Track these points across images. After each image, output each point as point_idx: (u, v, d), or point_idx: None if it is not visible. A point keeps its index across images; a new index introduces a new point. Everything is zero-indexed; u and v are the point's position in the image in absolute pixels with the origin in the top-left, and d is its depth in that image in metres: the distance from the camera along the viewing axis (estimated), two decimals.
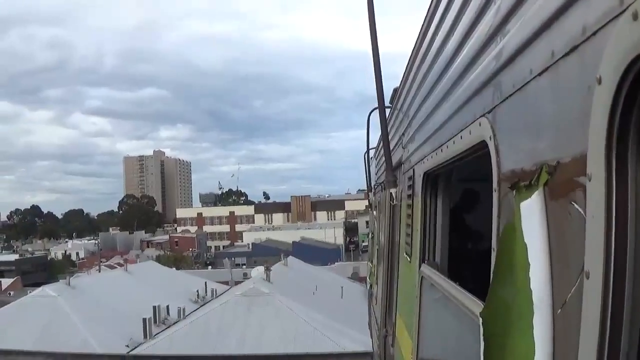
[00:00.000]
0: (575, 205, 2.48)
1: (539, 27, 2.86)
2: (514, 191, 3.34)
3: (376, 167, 19.36)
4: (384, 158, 15.29)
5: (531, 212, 2.98)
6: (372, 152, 20.44)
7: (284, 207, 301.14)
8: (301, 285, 71.38)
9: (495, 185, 3.79)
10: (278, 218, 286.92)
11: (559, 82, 2.69)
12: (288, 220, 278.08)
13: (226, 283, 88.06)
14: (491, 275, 3.66)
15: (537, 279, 2.89)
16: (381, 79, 7.04)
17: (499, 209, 3.74)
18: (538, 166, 2.94)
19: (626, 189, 2.14)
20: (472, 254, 11.35)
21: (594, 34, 2.25)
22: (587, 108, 2.31)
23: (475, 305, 4.27)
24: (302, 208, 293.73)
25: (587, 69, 2.34)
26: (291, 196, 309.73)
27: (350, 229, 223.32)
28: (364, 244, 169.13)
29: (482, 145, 4.16)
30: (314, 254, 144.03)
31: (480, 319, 3.62)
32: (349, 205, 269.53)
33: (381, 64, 7.29)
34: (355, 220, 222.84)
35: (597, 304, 2.20)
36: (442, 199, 7.22)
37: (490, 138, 3.89)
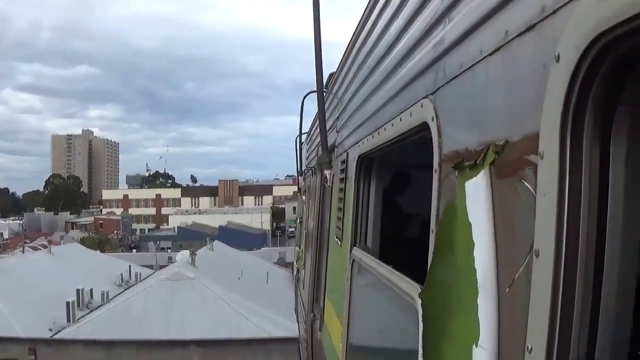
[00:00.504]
0: (525, 183, 2.46)
1: (492, 8, 2.83)
2: (457, 172, 3.32)
3: (307, 151, 19.31)
4: (316, 142, 15.36)
5: (476, 191, 2.96)
6: (304, 137, 20.40)
7: (212, 191, 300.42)
8: (227, 270, 71.42)
9: (436, 166, 3.78)
10: (205, 202, 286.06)
11: (512, 61, 2.67)
12: (215, 205, 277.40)
13: (151, 267, 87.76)
14: (430, 256, 3.65)
15: (482, 258, 2.87)
16: (321, 61, 6.99)
17: (439, 190, 3.73)
18: (484, 146, 2.92)
19: (580, 167, 2.13)
20: (406, 237, 11.44)
21: (554, 12, 2.23)
22: (542, 87, 2.30)
23: (410, 287, 4.26)
24: (229, 192, 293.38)
25: (544, 47, 2.32)
26: (219, 180, 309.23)
27: (278, 215, 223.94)
28: (290, 229, 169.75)
29: (423, 127, 4.14)
30: (241, 238, 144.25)
31: (419, 301, 3.60)
32: (277, 191, 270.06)
33: (322, 48, 7.20)
34: (283, 206, 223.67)
35: (548, 283, 2.19)
36: (375, 182, 7.22)
37: (432, 119, 3.87)
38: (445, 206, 3.51)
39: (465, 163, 3.17)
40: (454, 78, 3.48)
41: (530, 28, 2.44)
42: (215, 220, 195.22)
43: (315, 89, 8.47)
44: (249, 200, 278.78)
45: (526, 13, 2.47)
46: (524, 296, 2.41)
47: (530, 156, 2.42)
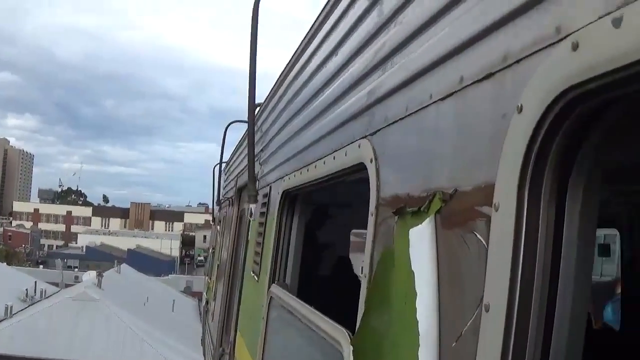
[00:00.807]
0: (476, 234, 2.40)
1: (447, 52, 2.79)
2: (396, 217, 3.26)
3: (225, 181, 19.23)
4: (235, 172, 15.29)
5: (421, 239, 2.88)
6: (224, 166, 20.31)
7: (123, 213, 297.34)
8: (133, 294, 70.52)
9: (372, 209, 3.70)
10: (115, 223, 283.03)
11: (466, 108, 2.63)
12: (125, 227, 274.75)
13: (57, 284, 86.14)
14: (362, 302, 3.58)
15: (425, 309, 2.78)
16: (254, 92, 6.89)
17: (374, 234, 3.64)
18: (430, 193, 2.86)
19: (537, 221, 2.09)
20: (327, 277, 11.38)
21: (518, 62, 2.20)
22: (499, 137, 2.25)
23: (336, 331, 4.17)
24: (141, 216, 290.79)
25: (504, 97, 2.28)
26: (131, 202, 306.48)
27: (188, 242, 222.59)
28: (199, 258, 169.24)
29: (359, 167, 4.08)
30: (149, 263, 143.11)
31: (347, 347, 3.53)
32: (188, 218, 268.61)
33: (256, 77, 7.11)
34: (193, 234, 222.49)
35: (498, 339, 2.12)
36: (299, 219, 7.14)
37: (371, 160, 3.80)
38: (382, 252, 3.44)
39: (407, 209, 3.10)
40: (398, 120, 3.42)
41: (489, 76, 2.40)
42: (125, 242, 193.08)
43: (238, 119, 8.43)
44: (159, 225, 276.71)
45: (485, 60, 2.43)
46: (470, 351, 2.33)
47: (483, 207, 2.36)
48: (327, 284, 10.37)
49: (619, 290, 8.19)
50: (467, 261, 2.50)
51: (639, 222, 7.71)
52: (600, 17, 1.73)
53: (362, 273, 3.72)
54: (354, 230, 15.78)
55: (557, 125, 1.98)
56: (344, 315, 4.22)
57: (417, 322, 2.79)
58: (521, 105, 2.10)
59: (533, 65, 2.08)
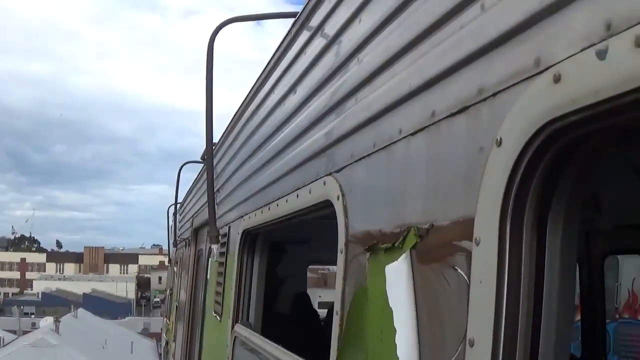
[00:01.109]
0: (457, 269, 2.38)
1: (418, 86, 2.77)
2: (368, 253, 3.23)
3: (180, 222, 19.11)
4: (190, 213, 15.21)
5: (398, 275, 2.84)
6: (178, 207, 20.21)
7: (77, 257, 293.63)
8: (91, 338, 69.95)
9: (341, 246, 3.66)
10: (70, 268, 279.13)
11: (439, 143, 2.61)
12: (80, 271, 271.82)
13: (14, 332, 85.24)
14: (334, 340, 3.54)
15: (406, 346, 2.73)
16: (212, 132, 6.82)
17: (345, 271, 3.60)
18: (404, 228, 2.83)
19: (520, 253, 2.08)
20: (291, 315, 11.31)
21: (494, 95, 2.18)
22: (476, 171, 2.24)
23: None
24: (95, 259, 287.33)
25: (480, 130, 2.27)
26: (84, 247, 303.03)
27: (143, 284, 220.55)
28: (155, 299, 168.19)
29: (324, 205, 4.05)
30: (105, 307, 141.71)
31: None
32: (143, 260, 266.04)
33: (213, 118, 7.06)
34: (148, 275, 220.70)
35: None
36: (260, 258, 7.08)
37: (337, 198, 3.77)
38: (354, 289, 3.40)
39: (380, 245, 3.08)
40: (365, 156, 3.40)
41: (463, 109, 2.38)
42: (80, 287, 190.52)
43: (188, 159, 8.39)
44: (114, 268, 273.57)
45: (459, 94, 2.42)
46: None
47: (462, 241, 2.34)
48: (291, 321, 10.34)
49: (578, 317, 8.22)
50: (447, 296, 2.47)
51: (594, 250, 7.73)
52: (583, 49, 1.72)
53: (334, 311, 3.68)
54: (310, 267, 15.74)
55: (538, 157, 1.98)
56: (312, 353, 4.18)
57: (397, 358, 2.75)
58: (500, 139, 2.09)
59: (511, 98, 2.07)
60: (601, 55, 1.65)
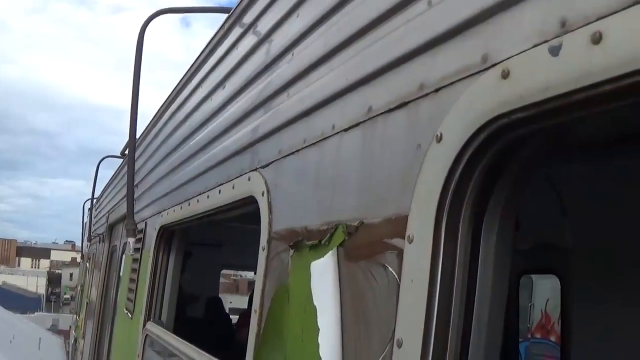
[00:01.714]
0: (387, 267, 2.32)
1: (354, 82, 2.72)
2: (292, 250, 3.16)
3: (96, 217, 18.90)
4: (106, 208, 15.05)
5: (323, 272, 2.77)
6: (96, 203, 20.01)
7: None
8: None
9: (263, 243, 3.59)
10: None
11: (374, 138, 2.55)
12: None
13: None
14: (252, 338, 3.47)
15: (329, 345, 2.65)
16: (136, 126, 6.66)
17: (266, 269, 3.53)
18: (331, 225, 2.77)
19: (455, 252, 2.04)
20: (204, 314, 11.24)
21: (436, 91, 2.14)
22: (412, 168, 2.19)
23: None
24: (7, 252, 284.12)
25: (419, 126, 2.22)
26: None
27: (54, 280, 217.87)
28: (65, 296, 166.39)
29: (248, 201, 3.98)
30: (15, 301, 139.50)
31: None
32: (55, 255, 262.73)
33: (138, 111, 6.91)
34: (60, 271, 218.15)
35: None
36: (175, 255, 6.98)
37: (262, 194, 3.69)
38: (276, 287, 3.33)
39: (305, 242, 3.01)
40: (294, 152, 3.33)
41: (402, 105, 2.33)
42: None
43: (112, 153, 8.26)
44: (26, 262, 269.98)
45: (399, 89, 2.36)
46: None
47: (393, 239, 2.28)
48: (203, 324, 10.26)
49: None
50: (375, 295, 2.40)
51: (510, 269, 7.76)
52: (535, 45, 1.69)
53: (252, 309, 3.61)
54: (223, 271, 15.66)
55: (480, 154, 1.94)
56: (225, 355, 4.11)
57: (320, 358, 2.68)
58: (440, 135, 2.04)
59: (454, 93, 2.03)
60: (554, 51, 1.62)
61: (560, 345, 7.01)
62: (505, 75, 1.78)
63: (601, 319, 5.63)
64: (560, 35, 1.62)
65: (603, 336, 5.66)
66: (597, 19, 1.50)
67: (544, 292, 18.67)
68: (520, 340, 10.34)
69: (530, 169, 2.05)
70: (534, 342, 19.14)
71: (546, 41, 1.66)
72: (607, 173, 5.00)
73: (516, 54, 1.77)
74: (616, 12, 1.46)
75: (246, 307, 10.14)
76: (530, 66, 1.71)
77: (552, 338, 18.47)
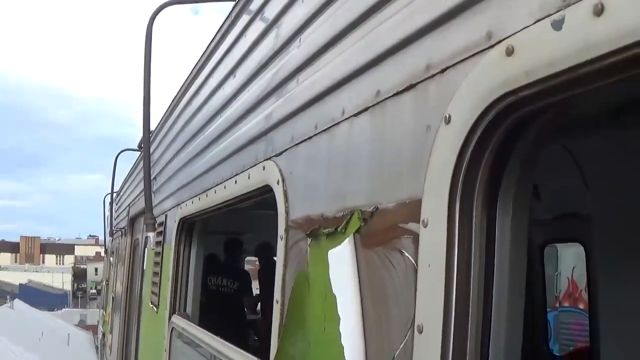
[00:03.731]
0: (404, 252, 2.29)
1: (362, 65, 2.69)
2: (309, 239, 3.14)
3: (117, 212, 18.92)
4: (126, 202, 15.06)
5: (341, 260, 2.75)
6: (116, 197, 20.02)
7: (13, 247, 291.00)
8: (27, 329, 69.40)
9: (281, 232, 3.57)
10: (5, 258, 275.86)
11: (384, 123, 2.52)
12: (16, 261, 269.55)
13: None
14: (275, 329, 3.45)
15: (350, 334, 2.63)
16: (149, 118, 6.63)
17: (285, 258, 3.51)
18: (346, 212, 2.74)
19: (470, 234, 2.01)
20: (228, 305, 11.23)
21: (442, 71, 2.11)
22: (423, 150, 2.16)
23: (240, 356, 4.07)
24: (31, 249, 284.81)
25: (428, 108, 2.19)
26: (20, 236, 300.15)
27: (79, 275, 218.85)
28: (92, 291, 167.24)
29: (264, 190, 3.96)
30: (42, 298, 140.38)
31: None
32: (79, 251, 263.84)
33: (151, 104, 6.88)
34: (85, 267, 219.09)
35: None
36: (197, 247, 6.97)
37: (277, 182, 3.67)
38: (295, 276, 3.31)
39: (322, 230, 2.98)
40: (306, 139, 3.31)
41: (409, 87, 2.30)
42: (16, 277, 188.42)
43: (130, 145, 8.25)
44: (50, 259, 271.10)
45: (406, 71, 2.33)
46: None
47: (409, 224, 2.26)
48: (231, 312, 10.28)
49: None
50: (394, 281, 2.38)
51: (534, 240, 7.73)
52: (538, 20, 1.66)
53: (274, 299, 3.59)
54: (248, 258, 15.67)
55: (489, 134, 1.91)
56: (252, 345, 4.11)
57: (342, 347, 2.66)
58: (449, 116, 2.01)
59: (461, 73, 2.00)
60: (557, 25, 1.59)
61: (588, 313, 7.01)
62: (509, 52, 1.75)
63: (626, 284, 5.61)
64: (562, 8, 1.58)
65: (629, 301, 5.65)
66: None
67: (570, 260, 18.58)
68: (548, 310, 10.32)
69: (540, 146, 2.02)
70: (563, 310, 19.00)
71: (549, 15, 1.62)
72: (622, 143, 4.98)
73: (519, 30, 1.74)
74: None
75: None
76: (534, 42, 1.68)
77: (581, 305, 18.37)
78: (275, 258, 3.69)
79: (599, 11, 1.45)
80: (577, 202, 6.27)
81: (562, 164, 5.56)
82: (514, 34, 1.75)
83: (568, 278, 19.44)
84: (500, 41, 1.81)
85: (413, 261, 2.21)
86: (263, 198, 4.15)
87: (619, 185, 5.46)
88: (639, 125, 4.31)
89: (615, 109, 3.55)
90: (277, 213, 3.66)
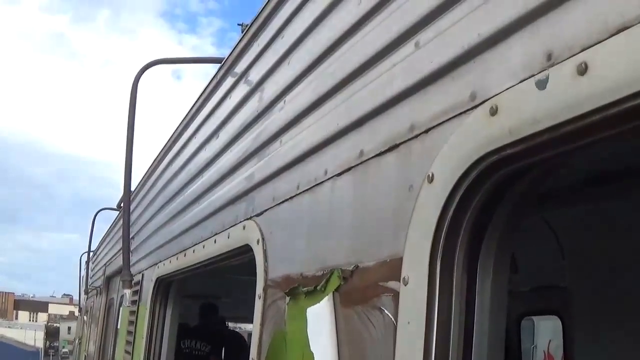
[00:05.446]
0: (383, 310, 2.29)
1: (345, 127, 2.72)
2: (288, 298, 3.14)
3: (93, 270, 18.82)
4: (103, 261, 14.99)
5: (320, 318, 2.74)
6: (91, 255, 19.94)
7: None
8: None
9: (259, 291, 3.56)
10: None
11: (367, 182, 2.54)
12: None
13: None
14: None
15: None
16: (130, 179, 6.64)
17: (262, 317, 3.50)
18: (326, 271, 2.75)
19: (450, 292, 2.01)
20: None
21: (426, 131, 2.13)
22: (405, 209, 2.17)
23: None
24: (4, 305, 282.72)
25: (411, 167, 2.21)
26: None
27: (52, 333, 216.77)
28: (64, 349, 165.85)
29: (244, 249, 3.96)
30: (13, 354, 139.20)
31: None
32: (53, 309, 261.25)
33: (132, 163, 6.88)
34: (58, 325, 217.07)
35: None
36: (173, 307, 6.93)
37: (257, 241, 3.68)
38: (273, 335, 3.30)
39: (301, 289, 2.99)
40: (288, 199, 3.32)
41: (393, 147, 2.33)
42: None
43: (108, 206, 8.24)
44: (24, 315, 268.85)
45: (390, 132, 2.36)
46: None
47: (389, 282, 2.26)
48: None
49: None
50: (373, 338, 2.37)
51: (511, 312, 7.72)
52: (522, 80, 1.69)
53: (249, 358, 3.58)
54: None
55: (472, 193, 1.93)
56: None
57: None
58: (432, 175, 2.04)
59: (445, 133, 2.02)
60: (541, 85, 1.63)
61: None
62: (493, 112, 1.78)
63: (603, 357, 5.60)
64: (546, 68, 1.62)
65: None
66: (582, 50, 1.51)
67: (546, 333, 18.54)
68: None
69: (522, 206, 2.04)
70: None
71: (533, 75, 1.66)
72: (599, 214, 5.00)
73: (503, 90, 1.77)
74: (600, 41, 1.46)
75: None
76: (518, 101, 1.71)
77: None
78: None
79: (582, 70, 1.48)
80: (554, 274, 6.27)
81: (539, 235, 5.57)
82: (498, 94, 1.78)
83: (544, 351, 19.40)
84: (484, 101, 1.84)
85: (393, 319, 2.21)
86: (241, 260, 4.15)
87: (596, 257, 5.47)
88: (615, 197, 4.35)
89: (592, 178, 3.58)
90: (254, 278, 3.66)
